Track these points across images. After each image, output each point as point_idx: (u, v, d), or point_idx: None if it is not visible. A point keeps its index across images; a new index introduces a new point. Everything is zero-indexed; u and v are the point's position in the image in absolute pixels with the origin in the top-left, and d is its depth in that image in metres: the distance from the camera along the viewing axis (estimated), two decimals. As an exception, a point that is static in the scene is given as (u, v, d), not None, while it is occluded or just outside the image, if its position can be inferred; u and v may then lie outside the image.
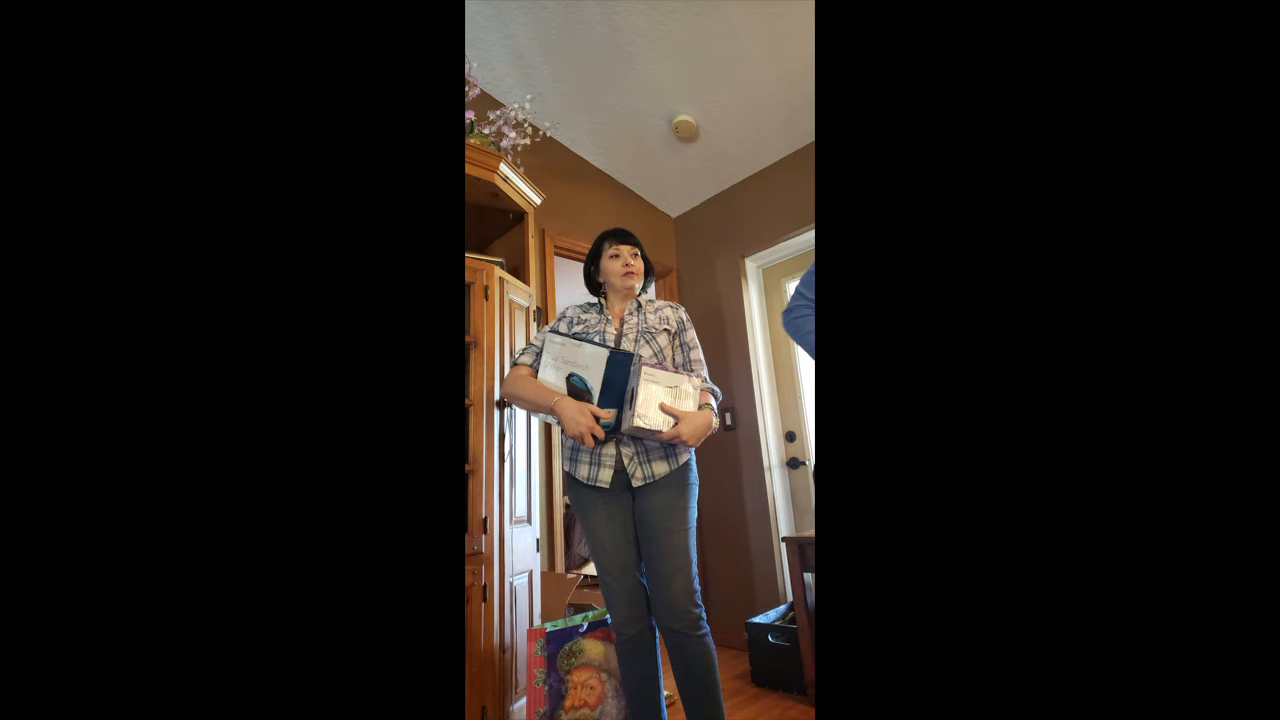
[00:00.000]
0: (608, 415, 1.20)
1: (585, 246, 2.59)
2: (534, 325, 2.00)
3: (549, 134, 2.49)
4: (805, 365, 2.62)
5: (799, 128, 2.47)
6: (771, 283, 2.83)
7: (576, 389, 1.24)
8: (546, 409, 1.24)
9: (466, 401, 1.61)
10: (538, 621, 1.73)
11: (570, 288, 2.66)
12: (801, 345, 1.31)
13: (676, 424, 1.19)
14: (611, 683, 1.50)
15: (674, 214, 3.20)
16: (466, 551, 1.51)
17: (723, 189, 2.94)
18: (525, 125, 2.04)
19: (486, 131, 1.96)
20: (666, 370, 1.22)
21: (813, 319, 1.23)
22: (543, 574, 1.97)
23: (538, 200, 2.05)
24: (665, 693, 1.29)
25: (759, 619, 2.13)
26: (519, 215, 2.06)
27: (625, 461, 1.26)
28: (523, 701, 1.56)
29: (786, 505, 2.59)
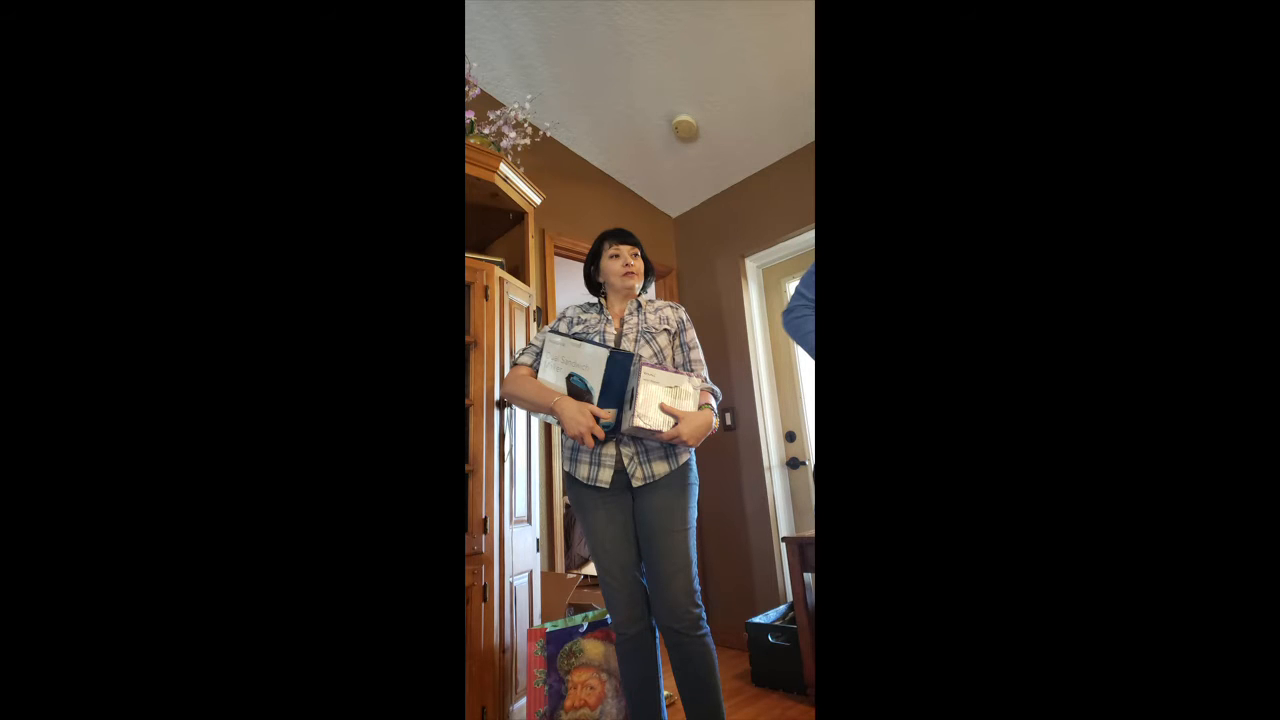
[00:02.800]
0: (608, 415, 1.20)
1: (585, 246, 2.59)
2: (534, 325, 2.00)
3: (549, 134, 2.49)
4: (805, 365, 2.62)
5: (799, 128, 2.47)
6: (771, 283, 2.83)
7: (576, 389, 1.24)
8: (546, 409, 1.24)
9: (466, 401, 1.61)
10: (538, 621, 1.73)
11: (570, 288, 2.66)
12: (801, 345, 1.31)
13: (676, 424, 1.19)
14: (611, 683, 1.50)
15: (674, 214, 3.20)
16: (466, 551, 1.51)
17: (723, 189, 2.94)
18: (525, 125, 2.04)
19: (486, 131, 1.96)
20: (666, 370, 1.22)
21: (813, 319, 1.23)
22: (543, 574, 1.97)
23: (538, 200, 2.05)
24: (665, 693, 1.29)
25: (759, 619, 2.13)
26: (519, 215, 2.06)
27: (625, 461, 1.26)
28: (523, 701, 1.56)
29: (786, 505, 2.59)
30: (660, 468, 1.26)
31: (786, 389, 2.68)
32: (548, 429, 2.35)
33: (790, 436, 2.63)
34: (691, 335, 1.41)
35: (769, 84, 2.28)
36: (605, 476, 1.26)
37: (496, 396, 1.66)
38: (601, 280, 1.47)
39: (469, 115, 1.80)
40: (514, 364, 1.35)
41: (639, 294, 1.47)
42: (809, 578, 1.93)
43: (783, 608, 2.25)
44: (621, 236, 1.44)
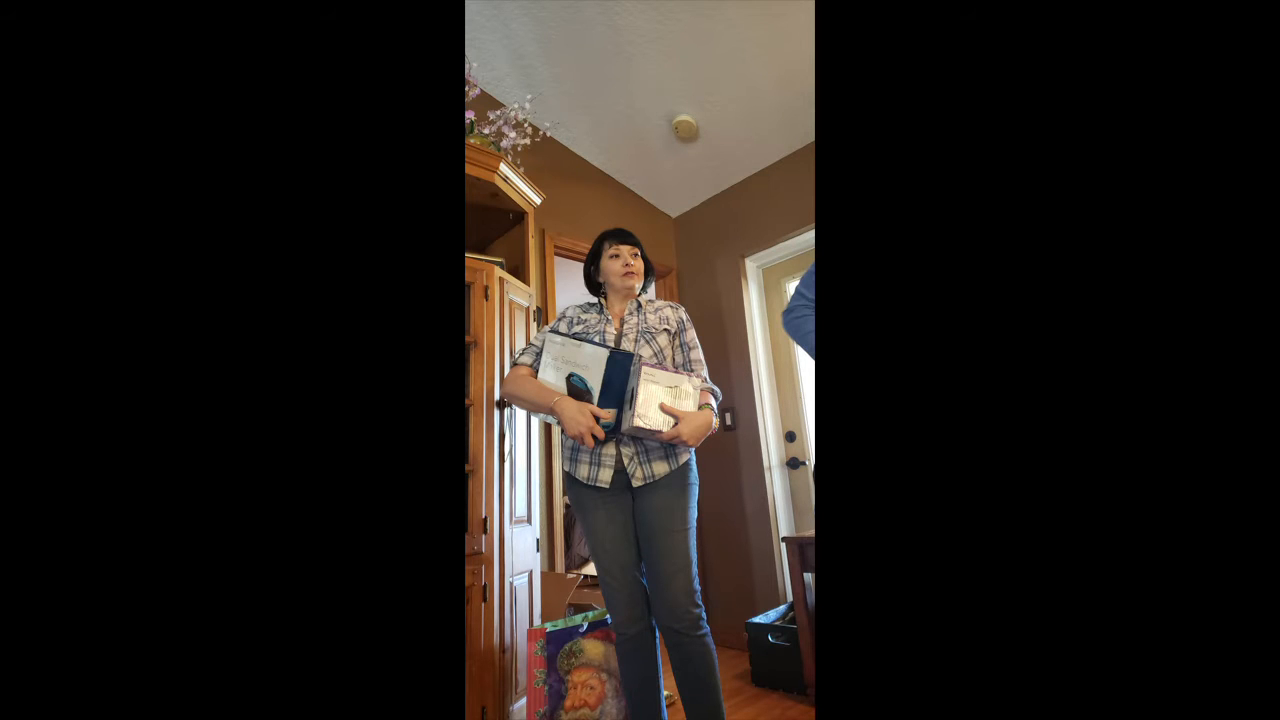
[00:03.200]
0: (608, 415, 1.20)
1: (585, 246, 2.59)
2: (534, 325, 2.00)
3: (549, 134, 2.49)
4: (805, 365, 2.62)
5: (799, 128, 2.47)
6: (771, 283, 2.83)
7: (576, 389, 1.24)
8: (546, 409, 1.24)
9: (466, 401, 1.61)
10: (538, 621, 1.73)
11: (570, 288, 2.66)
12: (801, 345, 1.31)
13: (676, 424, 1.19)
14: (611, 683, 1.50)
15: (674, 214, 3.20)
16: (466, 551, 1.51)
17: (723, 189, 2.94)
18: (525, 125, 2.04)
19: (486, 131, 1.96)
20: (666, 370, 1.22)
21: (813, 319, 1.23)
22: (543, 574, 1.97)
23: (538, 200, 2.05)
24: (665, 693, 1.29)
25: (759, 619, 2.13)
26: (519, 215, 2.06)
27: (625, 461, 1.26)
28: (523, 701, 1.56)
29: (786, 505, 2.59)
30: (660, 468, 1.26)
31: (786, 389, 2.68)
32: (548, 429, 2.35)
33: (790, 436, 2.63)
34: (691, 335, 1.41)
35: (769, 84, 2.28)
36: (605, 476, 1.26)
37: (496, 396, 1.66)
38: (601, 280, 1.47)
39: (469, 115, 1.80)
40: (514, 364, 1.35)
41: (639, 294, 1.47)
42: (809, 578, 1.93)
43: (783, 608, 2.25)
44: (621, 236, 1.44)
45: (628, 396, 1.21)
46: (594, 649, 1.51)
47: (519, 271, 2.04)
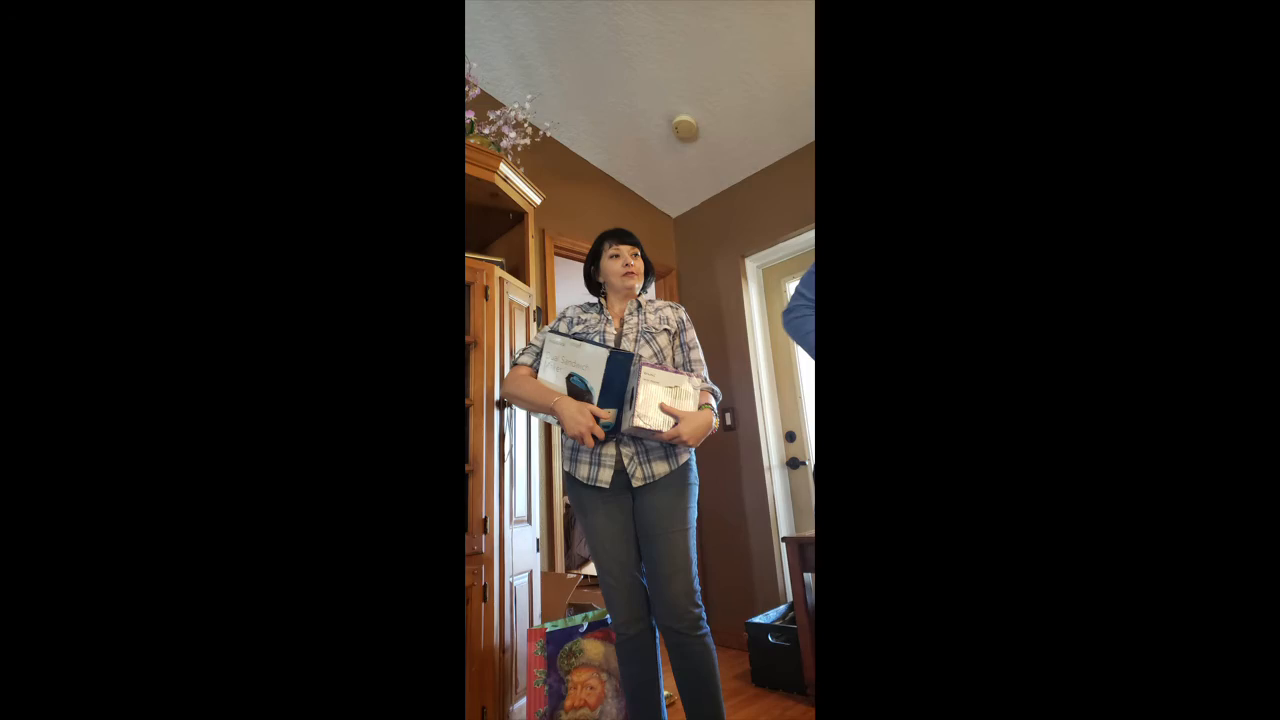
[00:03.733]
0: (608, 415, 1.20)
1: (585, 246, 2.59)
2: (534, 325, 2.00)
3: (549, 134, 2.49)
4: (805, 365, 2.62)
5: (799, 128, 2.47)
6: (771, 283, 2.83)
7: (576, 389, 1.24)
8: (546, 409, 1.24)
9: (466, 401, 1.61)
10: (538, 621, 1.73)
11: (570, 288, 2.66)
12: (801, 345, 1.31)
13: (676, 424, 1.19)
14: (611, 683, 1.50)
15: (674, 214, 3.20)
16: (466, 551, 1.51)
17: (723, 189, 2.94)
18: (525, 125, 2.04)
19: (486, 131, 1.96)
20: (666, 370, 1.22)
21: (813, 319, 1.23)
22: (543, 574, 1.97)
23: (538, 200, 2.05)
24: (665, 693, 1.29)
25: (759, 619, 2.13)
26: (519, 215, 2.06)
27: (625, 461, 1.26)
28: (523, 701, 1.56)
29: (786, 505, 2.59)
30: (660, 468, 1.26)
31: (786, 389, 2.68)
32: (548, 429, 2.35)
33: (790, 436, 2.63)
34: (691, 335, 1.41)
35: (769, 84, 2.28)
36: (605, 476, 1.26)
37: (496, 396, 1.66)
38: (601, 280, 1.46)
39: (469, 115, 1.80)
40: (514, 364, 1.35)
41: (639, 294, 1.47)
42: (809, 578, 1.93)
43: (783, 608, 2.25)
44: (621, 236, 1.44)
45: (628, 396, 1.21)
46: (594, 649, 1.51)
47: (519, 271, 2.04)
